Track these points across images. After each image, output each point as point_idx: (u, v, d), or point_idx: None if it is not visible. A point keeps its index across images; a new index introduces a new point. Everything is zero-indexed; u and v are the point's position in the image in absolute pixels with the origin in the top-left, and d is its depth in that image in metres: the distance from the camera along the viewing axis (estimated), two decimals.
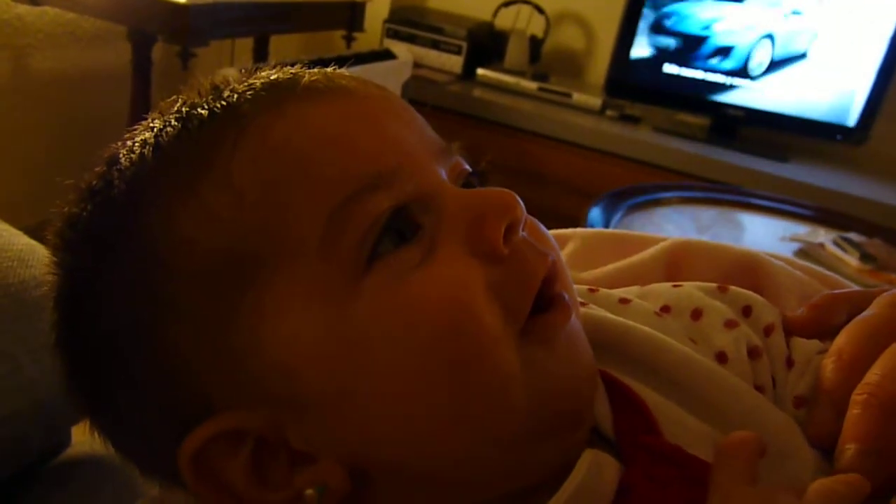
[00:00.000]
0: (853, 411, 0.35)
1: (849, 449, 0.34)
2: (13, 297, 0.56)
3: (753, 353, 0.39)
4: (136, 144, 0.35)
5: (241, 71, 0.38)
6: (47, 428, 0.60)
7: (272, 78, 0.36)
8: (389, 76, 1.93)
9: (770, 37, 2.18)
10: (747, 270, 0.47)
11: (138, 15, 1.65)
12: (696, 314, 0.41)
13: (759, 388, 0.39)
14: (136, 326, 0.33)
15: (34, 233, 0.59)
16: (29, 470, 0.61)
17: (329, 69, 0.38)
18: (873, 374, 0.35)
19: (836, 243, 1.57)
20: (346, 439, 0.33)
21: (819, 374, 0.38)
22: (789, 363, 0.40)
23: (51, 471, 0.63)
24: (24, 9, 1.77)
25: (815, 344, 0.40)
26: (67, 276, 0.35)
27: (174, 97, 0.37)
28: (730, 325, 0.40)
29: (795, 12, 2.15)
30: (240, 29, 1.88)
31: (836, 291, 0.43)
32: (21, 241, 0.61)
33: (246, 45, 2.12)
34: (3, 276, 0.57)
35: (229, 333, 0.32)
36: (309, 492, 0.33)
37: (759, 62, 2.20)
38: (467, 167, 0.38)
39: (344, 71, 0.38)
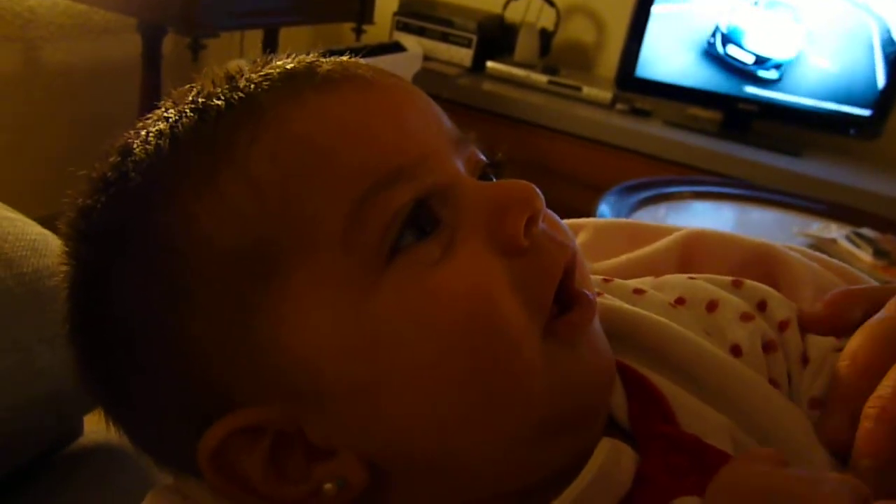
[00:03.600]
0: (865, 425, 0.34)
1: (863, 464, 0.33)
2: (27, 286, 0.56)
3: (769, 346, 0.39)
4: (152, 135, 0.34)
5: (254, 61, 0.37)
6: (60, 417, 0.61)
7: (288, 67, 0.36)
8: (399, 69, 1.93)
9: (783, 29, 2.17)
10: (762, 261, 0.46)
11: (149, 6, 1.65)
12: (712, 306, 0.40)
13: (773, 383, 0.38)
14: (153, 320, 0.33)
15: (46, 223, 0.59)
16: (41, 459, 0.61)
17: (344, 58, 0.37)
18: (886, 387, 0.34)
19: (849, 239, 1.56)
20: (366, 433, 0.33)
21: (833, 377, 0.37)
22: (804, 360, 0.39)
23: (63, 460, 0.63)
24: (35, 1, 1.78)
25: (830, 341, 0.40)
26: (82, 267, 0.35)
27: (187, 86, 0.36)
28: (745, 318, 0.40)
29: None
30: (250, 21, 1.88)
31: (853, 287, 0.42)
32: (34, 230, 0.61)
33: (255, 36, 2.12)
34: (16, 265, 0.57)
35: (249, 327, 0.32)
36: (328, 486, 0.33)
37: (772, 56, 2.18)
38: (483, 158, 0.37)
39: (359, 60, 0.38)
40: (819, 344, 0.40)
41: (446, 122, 0.37)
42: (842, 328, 0.39)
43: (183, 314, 0.33)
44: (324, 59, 0.37)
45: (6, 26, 1.76)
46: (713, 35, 2.20)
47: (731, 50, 2.20)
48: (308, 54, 0.37)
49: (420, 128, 0.35)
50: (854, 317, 0.39)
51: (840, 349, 0.38)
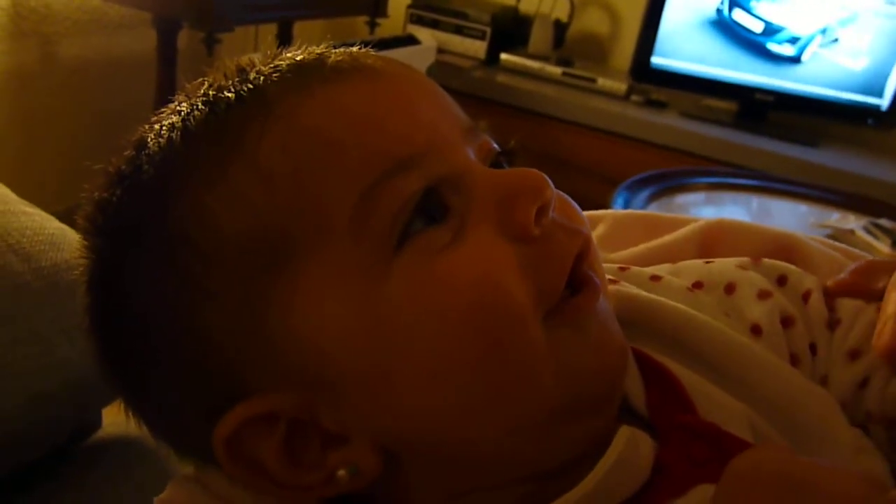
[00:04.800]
0: None
1: None
2: (46, 279, 0.57)
3: (787, 322, 0.39)
4: (164, 128, 0.35)
5: (265, 53, 0.37)
6: (79, 409, 0.61)
7: (298, 59, 0.36)
8: (413, 62, 1.92)
9: (802, 21, 2.14)
10: (783, 250, 0.46)
11: (163, 1, 1.66)
12: (730, 288, 0.41)
13: (794, 357, 0.39)
14: (168, 310, 0.33)
15: (64, 218, 0.59)
16: (60, 450, 0.62)
17: (354, 49, 0.37)
18: None
19: (867, 229, 1.55)
20: (379, 420, 0.33)
21: (873, 340, 0.38)
22: (831, 326, 0.40)
23: (82, 452, 0.64)
24: None
25: (859, 301, 0.40)
26: (99, 260, 0.36)
27: (200, 80, 0.37)
28: (763, 295, 0.40)
29: None
30: (264, 14, 1.89)
31: (878, 259, 0.43)
32: (52, 224, 0.62)
33: (270, 30, 2.12)
34: (35, 258, 0.57)
35: (261, 316, 0.32)
36: (341, 472, 0.33)
37: (786, 25, 2.15)
38: (495, 146, 0.37)
39: (369, 50, 0.38)
40: (849, 304, 0.40)
41: (456, 110, 0.37)
42: (868, 293, 0.40)
43: (196, 304, 0.33)
44: (333, 51, 0.37)
45: (22, 21, 1.77)
46: (722, 1, 2.15)
47: (738, 16, 2.15)
48: (319, 46, 0.38)
49: (430, 117, 0.35)
50: (880, 286, 0.40)
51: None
